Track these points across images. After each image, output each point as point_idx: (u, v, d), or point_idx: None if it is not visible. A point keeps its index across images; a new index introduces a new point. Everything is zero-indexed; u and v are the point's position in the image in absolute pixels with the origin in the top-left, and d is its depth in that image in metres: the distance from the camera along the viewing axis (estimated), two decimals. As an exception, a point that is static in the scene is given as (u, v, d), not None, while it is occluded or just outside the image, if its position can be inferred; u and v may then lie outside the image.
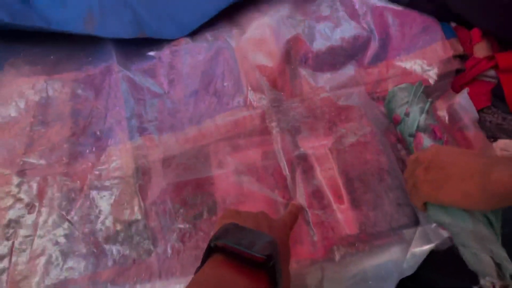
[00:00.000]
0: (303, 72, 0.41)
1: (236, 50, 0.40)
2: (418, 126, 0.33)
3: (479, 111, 0.42)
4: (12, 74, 0.31)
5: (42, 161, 0.28)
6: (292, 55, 0.41)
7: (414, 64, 0.45)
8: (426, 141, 0.31)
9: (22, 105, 0.30)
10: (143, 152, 0.31)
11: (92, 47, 0.37)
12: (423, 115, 0.34)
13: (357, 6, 0.47)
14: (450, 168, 0.24)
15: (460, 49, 0.43)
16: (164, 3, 0.44)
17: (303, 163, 0.33)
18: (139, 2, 0.42)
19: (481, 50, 0.41)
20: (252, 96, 0.37)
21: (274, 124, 0.36)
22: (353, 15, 0.47)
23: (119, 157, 0.30)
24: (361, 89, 0.43)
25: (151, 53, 0.40)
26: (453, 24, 0.45)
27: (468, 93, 0.42)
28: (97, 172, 0.30)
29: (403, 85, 0.40)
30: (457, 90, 0.44)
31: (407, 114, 0.35)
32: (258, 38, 0.40)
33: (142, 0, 0.42)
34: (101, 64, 0.35)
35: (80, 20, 0.37)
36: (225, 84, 0.38)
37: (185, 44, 0.41)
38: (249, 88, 0.38)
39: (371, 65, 0.45)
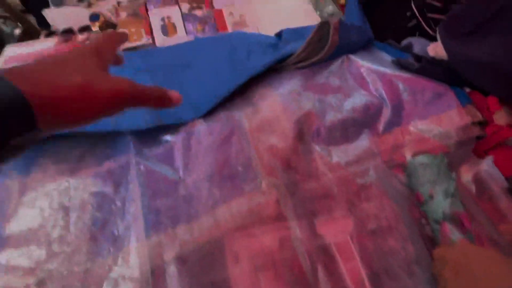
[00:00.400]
0: (317, 147, 0.41)
1: (249, 131, 0.40)
2: (443, 214, 0.31)
3: (508, 178, 0.40)
4: (40, 176, 0.33)
5: (62, 269, 0.29)
6: (305, 131, 0.41)
7: (430, 130, 0.44)
8: (454, 235, 0.29)
9: (46, 209, 0.31)
10: (159, 250, 0.31)
11: (111, 138, 0.39)
12: (448, 200, 0.32)
13: (365, 75, 0.48)
14: (481, 277, 0.24)
15: (478, 116, 0.42)
16: (180, 86, 0.47)
17: (323, 257, 0.31)
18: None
19: (502, 118, 0.40)
20: (266, 180, 0.36)
21: (289, 209, 0.35)
22: (362, 83, 0.47)
23: (135, 258, 0.30)
24: (378, 162, 0.42)
25: (167, 137, 0.41)
26: (467, 89, 0.45)
27: (494, 161, 0.40)
28: (114, 275, 0.29)
29: (423, 159, 0.39)
30: (481, 155, 0.42)
31: (431, 196, 0.34)
32: (270, 118, 0.41)
33: (157, 84, 0.45)
34: (120, 156, 0.37)
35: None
36: (239, 167, 0.38)
37: (200, 126, 0.42)
38: (263, 171, 0.38)
39: (385, 132, 0.45)
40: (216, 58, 0.52)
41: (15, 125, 0.14)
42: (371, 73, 0.47)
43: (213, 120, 0.43)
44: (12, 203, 0.33)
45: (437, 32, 0.47)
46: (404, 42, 0.55)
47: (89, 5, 0.76)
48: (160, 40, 0.69)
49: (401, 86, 0.46)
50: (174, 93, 0.23)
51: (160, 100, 0.22)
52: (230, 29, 0.70)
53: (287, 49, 0.49)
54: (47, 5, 0.91)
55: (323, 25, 0.45)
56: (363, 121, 0.44)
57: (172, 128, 0.42)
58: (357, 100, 0.45)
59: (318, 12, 1.01)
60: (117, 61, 0.25)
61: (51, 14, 0.75)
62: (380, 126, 0.45)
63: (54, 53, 0.20)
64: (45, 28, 0.76)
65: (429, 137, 0.43)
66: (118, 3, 0.82)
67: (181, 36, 0.69)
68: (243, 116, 0.43)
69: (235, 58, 0.52)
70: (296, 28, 0.61)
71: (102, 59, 0.20)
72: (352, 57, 0.50)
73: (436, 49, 0.45)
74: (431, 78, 0.46)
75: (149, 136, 0.40)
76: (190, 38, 0.68)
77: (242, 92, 0.47)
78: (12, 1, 1.49)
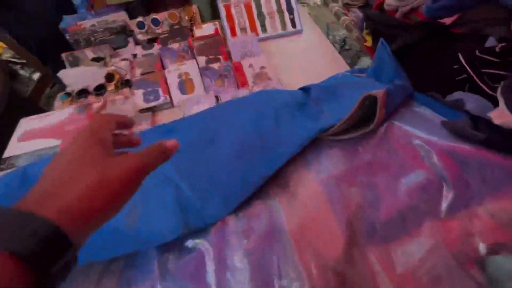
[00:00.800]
0: (373, 255, 0.34)
1: (290, 232, 0.34)
2: None
3: None
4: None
5: None
6: (357, 230, 0.35)
7: (506, 214, 0.36)
8: None
9: None
10: None
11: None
12: None
13: (416, 147, 0.41)
14: None
15: None
16: (206, 169, 0.42)
17: None
18: (182, 177, 0.40)
19: None
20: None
21: None
22: (415, 157, 0.41)
23: None
24: (445, 257, 0.35)
25: (196, 241, 0.36)
26: (548, 165, 0.37)
27: None
28: None
29: (508, 262, 0.31)
30: None
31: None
32: (313, 216, 0.35)
33: (184, 176, 0.40)
34: (143, 282, 0.31)
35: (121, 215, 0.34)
36: (283, 283, 0.32)
37: (232, 225, 0.36)
38: (313, 286, 0.31)
39: (449, 217, 0.37)
40: (241, 128, 0.47)
41: (55, 253, 0.15)
42: (423, 144, 0.41)
43: (246, 216, 0.37)
44: None
45: (499, 92, 0.41)
46: (453, 97, 0.49)
47: (105, 64, 0.74)
48: (178, 98, 0.66)
49: (462, 159, 0.39)
50: (169, 143, 0.23)
51: (164, 156, 0.23)
52: (250, 82, 0.66)
53: (320, 123, 0.43)
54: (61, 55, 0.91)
55: (366, 98, 0.39)
56: (422, 207, 0.37)
57: (202, 229, 0.36)
58: (412, 179, 0.39)
59: (330, 37, 0.97)
60: (134, 143, 0.26)
61: (67, 75, 0.74)
62: (442, 210, 0.38)
63: (60, 159, 0.20)
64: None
65: (506, 223, 0.36)
66: (134, 55, 0.80)
67: (200, 94, 0.66)
68: (281, 210, 0.37)
69: (262, 127, 0.47)
70: (325, 85, 0.56)
71: (104, 146, 0.20)
72: (397, 123, 0.44)
73: (502, 116, 0.39)
74: (499, 150, 0.39)
75: (173, 242, 0.35)
76: (210, 95, 0.64)
77: (277, 173, 0.42)
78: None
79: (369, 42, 0.70)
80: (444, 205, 0.38)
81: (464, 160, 0.39)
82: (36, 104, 1.35)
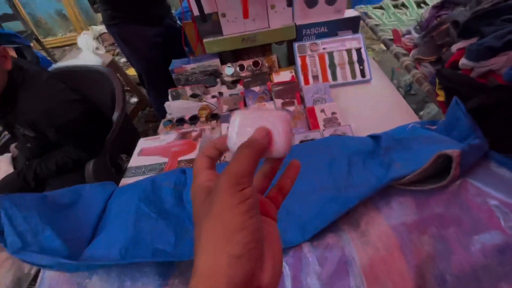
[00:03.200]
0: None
1: (361, 268, 0.39)
2: None
3: None
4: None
5: None
6: (427, 278, 0.37)
7: None
8: None
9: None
10: None
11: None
12: None
13: (493, 208, 0.42)
14: None
15: None
16: (285, 209, 0.49)
17: None
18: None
19: None
20: None
21: None
22: (491, 218, 0.42)
23: None
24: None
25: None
26: None
27: None
28: None
29: None
30: None
31: None
32: (384, 256, 0.39)
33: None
34: None
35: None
36: (354, 314, 0.36)
37: (308, 252, 0.42)
38: (382, 323, 0.34)
39: (530, 285, 0.37)
40: (317, 170, 0.55)
41: None
42: (501, 206, 0.42)
43: (321, 246, 0.43)
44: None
45: None
46: (536, 161, 0.49)
47: (200, 99, 0.91)
48: (256, 133, 0.77)
49: (546, 226, 0.39)
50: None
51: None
52: (321, 126, 0.74)
53: (392, 172, 0.48)
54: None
55: (440, 156, 0.43)
56: (500, 269, 0.38)
57: (281, 250, 0.43)
58: (487, 239, 0.40)
59: (394, 81, 0.98)
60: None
61: (171, 106, 0.93)
62: (523, 277, 0.38)
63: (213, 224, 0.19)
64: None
65: None
66: (220, 93, 0.97)
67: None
68: (352, 246, 0.42)
69: (336, 170, 0.53)
70: (395, 135, 0.61)
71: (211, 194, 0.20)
72: (472, 181, 0.46)
73: None
74: None
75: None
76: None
77: (348, 212, 0.47)
78: (132, 76, 1.92)
79: (441, 97, 0.73)
80: (525, 272, 0.38)
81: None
82: (132, 124, 1.66)
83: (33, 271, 0.70)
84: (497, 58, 0.59)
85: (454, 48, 0.76)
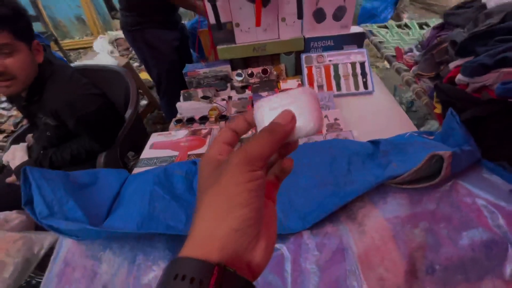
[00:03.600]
0: (432, 289, 0.38)
1: (358, 256, 0.42)
2: None
3: None
4: None
5: None
6: (418, 266, 0.40)
7: None
8: None
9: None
10: None
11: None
12: None
13: (482, 207, 0.46)
14: None
15: None
16: (287, 194, 0.53)
17: None
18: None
19: None
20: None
21: None
22: (479, 217, 0.45)
23: None
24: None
25: (278, 245, 0.46)
26: None
27: None
28: None
29: None
30: None
31: None
32: (379, 245, 0.42)
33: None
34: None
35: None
36: (348, 294, 0.38)
37: (308, 239, 0.45)
38: (374, 304, 0.37)
39: (513, 279, 0.40)
40: (318, 166, 0.58)
41: None
42: (489, 206, 0.45)
43: (320, 234, 0.46)
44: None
45: None
46: (524, 169, 0.52)
47: (210, 101, 0.96)
48: (262, 135, 0.82)
49: (530, 227, 0.42)
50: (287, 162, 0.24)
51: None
52: (324, 130, 0.78)
53: (389, 171, 0.52)
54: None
55: (433, 157, 0.47)
56: (485, 263, 0.41)
57: (283, 236, 0.46)
58: (475, 235, 0.43)
59: (397, 98, 1.03)
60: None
61: (182, 106, 0.98)
62: (506, 271, 0.40)
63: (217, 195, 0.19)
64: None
65: None
66: (229, 97, 1.03)
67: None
68: (350, 235, 0.45)
69: (336, 168, 0.57)
70: (394, 140, 0.65)
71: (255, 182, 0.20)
72: (463, 183, 0.49)
73: None
74: None
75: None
76: (288, 136, 0.78)
77: (346, 205, 0.50)
78: (144, 79, 1.99)
79: (438, 109, 0.77)
80: (508, 267, 0.41)
81: (532, 228, 0.42)
82: (142, 124, 1.71)
83: (42, 252, 0.73)
84: (489, 75, 0.64)
85: (452, 65, 0.81)
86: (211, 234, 0.18)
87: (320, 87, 0.97)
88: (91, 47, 2.95)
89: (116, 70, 1.20)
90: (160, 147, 0.76)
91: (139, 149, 0.81)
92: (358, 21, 2.51)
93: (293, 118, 0.21)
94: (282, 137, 0.20)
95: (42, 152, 0.89)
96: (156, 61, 1.33)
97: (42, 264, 0.75)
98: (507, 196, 0.47)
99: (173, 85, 1.38)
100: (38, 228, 0.92)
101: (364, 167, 0.57)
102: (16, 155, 0.98)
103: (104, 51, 2.11)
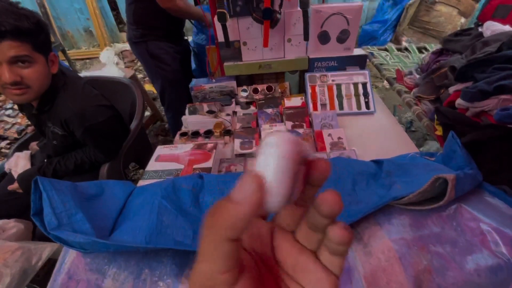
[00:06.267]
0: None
1: (364, 277, 0.42)
2: None
3: None
4: (187, 288, 0.40)
5: None
6: (424, 287, 0.40)
7: None
8: None
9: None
10: None
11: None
12: None
13: (486, 232, 0.46)
14: None
15: None
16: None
17: None
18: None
19: None
20: None
21: None
22: (483, 242, 0.46)
23: None
24: None
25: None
26: None
27: None
28: None
29: None
30: None
31: None
32: (385, 267, 0.42)
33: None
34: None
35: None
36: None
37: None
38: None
39: (519, 305, 0.40)
40: (323, 186, 0.59)
41: None
42: (493, 232, 0.46)
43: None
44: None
45: None
46: (525, 194, 0.53)
47: (215, 116, 0.98)
48: (267, 151, 0.83)
49: (534, 252, 0.43)
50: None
51: None
52: (328, 148, 0.80)
53: (393, 192, 0.52)
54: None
55: (437, 179, 0.48)
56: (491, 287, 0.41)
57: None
58: (480, 260, 0.43)
59: (396, 117, 1.05)
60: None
61: (187, 120, 1.00)
62: (512, 297, 0.40)
63: None
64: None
65: None
66: (234, 112, 1.04)
67: (285, 150, 0.82)
68: (356, 257, 0.45)
69: (341, 187, 0.58)
70: (396, 161, 0.66)
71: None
72: (466, 207, 0.50)
73: None
74: None
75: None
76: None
77: (350, 224, 0.51)
78: (148, 91, 2.02)
79: (439, 131, 0.79)
80: (514, 292, 0.41)
81: (536, 254, 0.43)
82: (146, 134, 1.73)
83: (39, 264, 0.71)
84: (488, 101, 0.67)
85: (451, 89, 0.84)
86: None
87: (323, 105, 0.99)
88: (97, 57, 3.01)
89: (124, 82, 1.23)
90: (166, 159, 0.77)
91: (142, 160, 0.81)
92: (358, 43, 2.60)
93: (255, 190, 0.14)
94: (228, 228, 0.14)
95: (46, 160, 0.89)
96: (161, 71, 1.36)
97: (39, 276, 0.73)
98: (509, 221, 0.48)
99: (177, 97, 1.41)
100: (35, 238, 0.90)
101: (368, 187, 0.58)
102: (19, 163, 0.98)
103: (110, 62, 2.15)
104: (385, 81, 2.33)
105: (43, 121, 0.84)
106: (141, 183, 0.68)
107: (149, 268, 0.43)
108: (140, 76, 2.56)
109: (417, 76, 1.07)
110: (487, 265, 0.42)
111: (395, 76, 1.18)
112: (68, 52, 2.84)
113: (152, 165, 0.75)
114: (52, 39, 2.49)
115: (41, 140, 0.97)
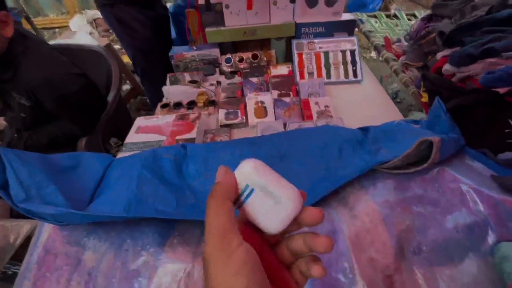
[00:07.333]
0: (420, 269, 0.40)
1: (349, 238, 0.42)
2: None
3: None
4: (169, 258, 0.39)
5: None
6: (405, 247, 0.41)
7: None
8: None
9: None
10: None
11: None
12: None
13: (465, 192, 0.47)
14: None
15: None
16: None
17: None
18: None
19: None
20: (369, 296, 0.37)
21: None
22: (463, 201, 0.47)
23: None
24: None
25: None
26: None
27: None
28: None
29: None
30: None
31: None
32: (369, 228, 0.43)
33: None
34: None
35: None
36: (339, 276, 0.39)
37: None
38: (365, 285, 0.38)
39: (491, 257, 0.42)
40: (309, 152, 0.58)
41: None
42: (472, 192, 0.47)
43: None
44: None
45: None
46: (504, 156, 0.55)
47: (198, 86, 0.93)
48: (252, 120, 0.80)
49: (508, 210, 0.45)
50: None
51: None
52: (314, 117, 0.78)
53: (379, 157, 0.52)
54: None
55: (422, 142, 0.48)
56: (468, 243, 0.43)
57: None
58: (459, 218, 0.45)
59: (383, 88, 1.05)
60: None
61: (168, 90, 0.94)
62: (486, 250, 0.43)
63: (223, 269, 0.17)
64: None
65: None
66: (218, 82, 1.00)
67: (270, 120, 0.79)
68: (341, 220, 0.45)
69: (327, 154, 0.57)
70: (383, 128, 0.66)
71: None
72: (448, 170, 0.51)
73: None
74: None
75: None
76: (279, 122, 0.77)
77: (337, 191, 0.51)
78: (127, 63, 1.90)
79: (425, 98, 0.79)
80: (489, 247, 0.43)
81: (510, 211, 0.44)
82: (126, 109, 1.64)
83: (18, 241, 0.69)
84: (475, 65, 0.66)
85: (439, 55, 0.82)
86: None
87: (311, 74, 0.96)
88: (67, 26, 2.76)
89: (97, 50, 1.13)
90: (146, 131, 0.73)
91: (122, 135, 0.77)
92: (347, 10, 2.51)
93: (226, 171, 0.20)
94: (225, 193, 0.20)
95: (16, 135, 0.83)
96: (130, 39, 1.25)
97: (20, 254, 0.71)
98: (487, 182, 0.50)
99: (150, 67, 1.32)
100: (14, 216, 0.87)
101: (355, 153, 0.58)
102: (-14, 139, 0.91)
103: (82, 30, 1.98)
104: (373, 52, 2.30)
105: (7, 92, 0.76)
106: (120, 155, 0.64)
107: (131, 238, 0.41)
108: (117, 47, 2.38)
109: (405, 43, 1.04)
110: (465, 223, 0.44)
111: (383, 43, 1.15)
112: (33, 20, 2.58)
113: (132, 137, 0.71)
114: (13, 4, 2.24)
115: (8, 114, 0.89)
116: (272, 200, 0.20)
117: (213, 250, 0.17)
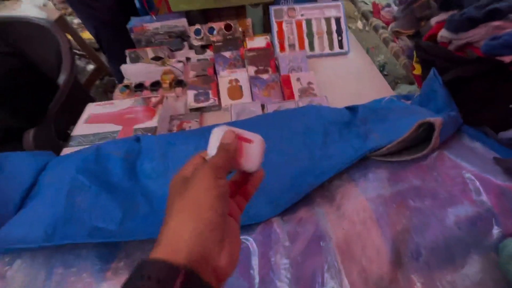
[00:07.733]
0: (419, 280, 0.34)
1: (336, 244, 0.36)
2: None
3: None
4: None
5: None
6: (402, 252, 0.35)
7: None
8: None
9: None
10: None
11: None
12: None
13: (467, 181, 0.41)
14: None
15: None
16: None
17: None
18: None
19: None
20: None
21: None
22: (465, 190, 0.41)
23: None
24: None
25: (243, 236, 0.38)
26: None
27: None
28: None
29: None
30: None
31: None
32: (359, 230, 0.36)
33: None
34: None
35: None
36: (325, 290, 0.33)
37: (277, 227, 0.38)
38: (355, 300, 0.32)
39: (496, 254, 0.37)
40: (290, 139, 0.50)
41: None
42: (475, 180, 0.41)
43: (293, 221, 0.39)
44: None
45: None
46: (507, 134, 0.48)
47: (163, 63, 0.80)
48: (226, 102, 0.70)
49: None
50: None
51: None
52: (296, 96, 0.69)
53: (370, 142, 0.45)
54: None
55: (421, 125, 0.40)
56: (470, 240, 0.37)
57: (247, 226, 0.39)
58: (460, 211, 0.39)
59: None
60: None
61: (128, 69, 0.81)
62: (491, 246, 0.37)
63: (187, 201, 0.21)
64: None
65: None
66: (187, 58, 0.87)
67: (247, 101, 0.69)
68: (327, 220, 0.38)
69: (311, 140, 0.49)
70: (372, 106, 0.58)
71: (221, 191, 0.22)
72: (448, 154, 0.44)
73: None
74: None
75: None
76: (256, 103, 0.67)
77: (322, 185, 0.43)
78: (89, 40, 1.69)
79: (418, 70, 0.71)
80: (494, 242, 0.37)
81: (518, 200, 0.39)
82: (87, 92, 1.47)
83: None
84: (476, 30, 0.57)
85: (433, 21, 0.73)
86: (178, 237, 0.19)
87: (292, 46, 0.85)
88: (18, -2, 2.40)
89: (41, 24, 0.95)
90: (99, 120, 0.62)
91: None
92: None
93: (236, 136, 0.23)
94: (233, 151, 0.23)
95: None
96: (90, 10, 1.07)
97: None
98: (491, 166, 0.43)
99: (117, 42, 1.15)
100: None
101: (342, 138, 0.50)
102: None
103: (32, 3, 1.71)
104: (359, 22, 2.17)
105: None
106: (66, 151, 0.53)
107: (64, 264, 0.32)
108: (77, 21, 2.11)
109: (396, 8, 0.94)
110: (467, 216, 0.38)
111: (371, 10, 1.03)
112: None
113: (81, 128, 0.60)
114: None
115: None
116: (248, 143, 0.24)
117: (204, 169, 0.21)
